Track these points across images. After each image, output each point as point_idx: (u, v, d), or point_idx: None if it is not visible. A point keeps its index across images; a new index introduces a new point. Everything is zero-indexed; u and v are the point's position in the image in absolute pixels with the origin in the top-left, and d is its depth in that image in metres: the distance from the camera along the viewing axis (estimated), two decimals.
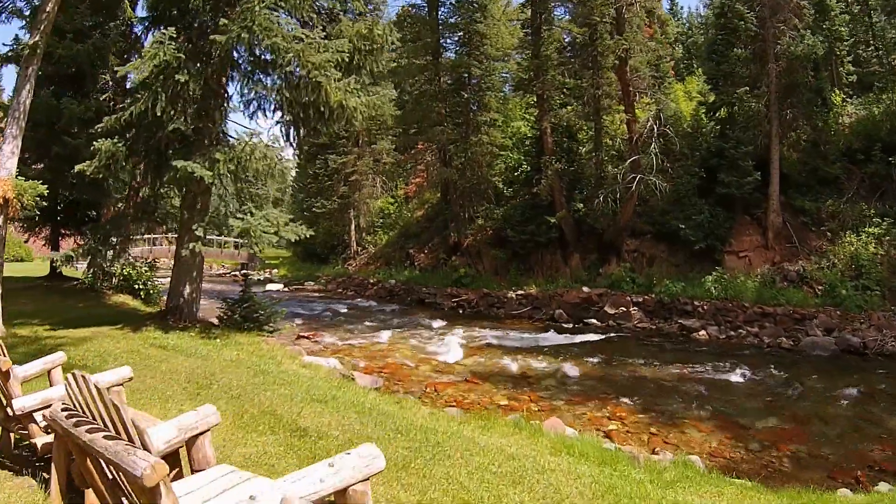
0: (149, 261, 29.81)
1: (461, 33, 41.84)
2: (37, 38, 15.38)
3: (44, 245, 30.97)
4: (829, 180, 31.02)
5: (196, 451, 5.02)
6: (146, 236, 43.09)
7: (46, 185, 23.69)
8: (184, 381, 10.64)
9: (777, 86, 30.75)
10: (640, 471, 8.63)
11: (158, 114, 14.69)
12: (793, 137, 32.62)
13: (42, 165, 25.02)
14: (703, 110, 36.01)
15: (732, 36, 32.20)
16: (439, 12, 42.92)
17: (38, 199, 15.52)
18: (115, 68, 15.40)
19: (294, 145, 18.69)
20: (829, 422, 14.83)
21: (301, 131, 18.05)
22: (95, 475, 4.01)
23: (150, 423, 5.49)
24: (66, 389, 4.14)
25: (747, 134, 31.05)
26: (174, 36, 14.94)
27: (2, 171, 14.59)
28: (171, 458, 4.89)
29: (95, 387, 3.75)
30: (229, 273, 62.14)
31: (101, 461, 3.83)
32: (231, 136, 17.50)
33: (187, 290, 17.55)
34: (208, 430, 5.12)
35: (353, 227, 54.46)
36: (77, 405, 4.06)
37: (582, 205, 35.57)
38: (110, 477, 3.88)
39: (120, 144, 15.29)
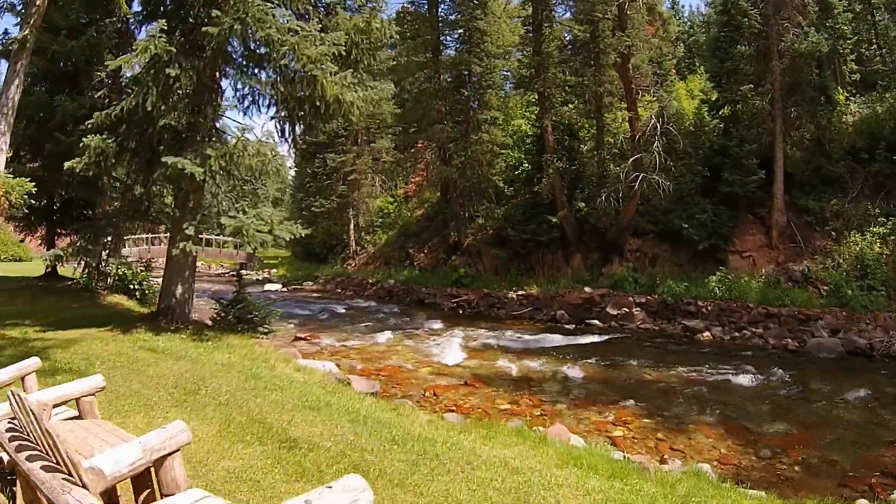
0: (144, 261, 29.50)
1: (461, 30, 41.37)
2: (26, 33, 15.03)
3: (40, 244, 30.67)
4: (833, 179, 30.66)
5: (165, 473, 4.57)
6: (144, 236, 42.86)
7: (40, 184, 23.74)
8: (171, 387, 10.25)
9: (781, 83, 30.38)
10: (652, 484, 8.18)
11: (149, 109, 14.27)
12: (796, 136, 32.27)
13: (36, 164, 24.76)
14: (706, 108, 35.70)
15: (736, 33, 31.81)
16: (439, 9, 42.44)
17: (27, 197, 15.23)
18: (106, 63, 14.90)
19: (289, 141, 18.28)
20: (839, 426, 14.49)
21: (297, 127, 17.68)
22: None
23: (118, 439, 5.09)
24: (11, 407, 3.74)
25: (751, 132, 30.65)
26: (165, 28, 14.50)
27: None
28: (142, 478, 4.48)
29: (32, 411, 3.34)
30: (228, 273, 61.72)
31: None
32: (226, 133, 17.09)
33: (179, 290, 17.12)
34: (178, 449, 4.68)
35: (352, 226, 54.10)
36: (22, 426, 3.66)
37: (584, 204, 35.15)
38: None
39: (110, 141, 14.89)
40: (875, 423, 14.64)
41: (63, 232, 27.88)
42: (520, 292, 33.61)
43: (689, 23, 63.57)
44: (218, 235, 30.34)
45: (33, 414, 3.33)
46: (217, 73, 16.54)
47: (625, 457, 10.41)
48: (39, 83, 25.59)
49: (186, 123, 16.39)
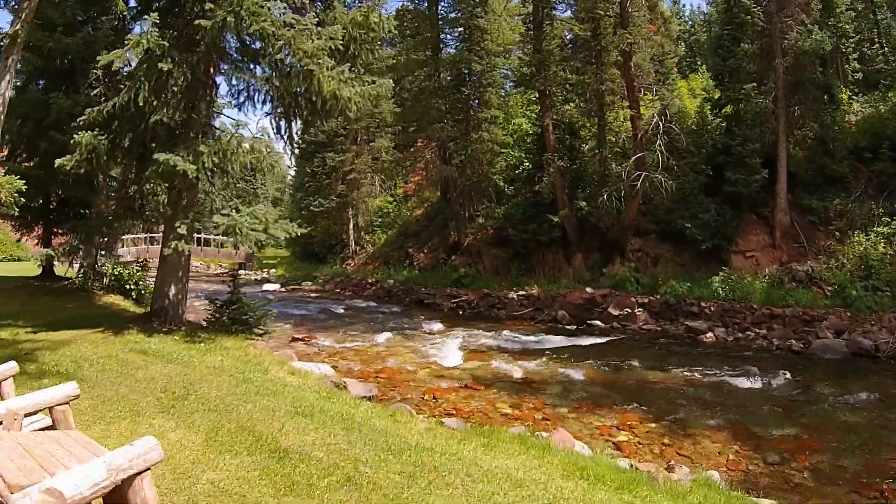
0: (141, 260, 29.30)
1: (461, 28, 41.15)
2: (17, 27, 14.67)
3: (36, 244, 30.45)
4: (836, 179, 30.49)
5: (134, 495, 4.21)
6: (142, 235, 42.62)
7: (36, 183, 23.58)
8: (159, 391, 9.91)
9: (784, 82, 30.12)
10: (663, 496, 7.86)
11: (141, 104, 13.96)
12: (799, 135, 32.07)
13: (32, 163, 24.54)
14: (708, 107, 35.44)
15: (739, 31, 31.61)
16: (439, 7, 42.22)
17: (21, 196, 14.94)
18: (98, 58, 14.56)
19: (285, 138, 17.87)
20: (847, 430, 14.15)
21: (293, 124, 17.35)
22: None
23: (89, 454, 4.75)
24: None
25: (754, 131, 30.46)
26: (157, 22, 14.18)
27: None
28: (115, 493, 4.14)
29: None
30: (227, 273, 61.50)
31: None
32: (220, 130, 16.75)
33: (172, 290, 16.76)
34: (148, 468, 4.32)
35: (351, 226, 53.80)
36: None
37: (585, 203, 34.80)
38: None
39: (101, 137, 14.55)
40: (883, 427, 14.32)
41: (60, 231, 27.65)
42: (520, 292, 33.33)
43: (689, 22, 63.68)
44: (216, 235, 30.09)
45: None
46: (211, 69, 16.18)
47: (632, 466, 10.07)
48: (35, 81, 25.40)
49: (180, 120, 16.02)
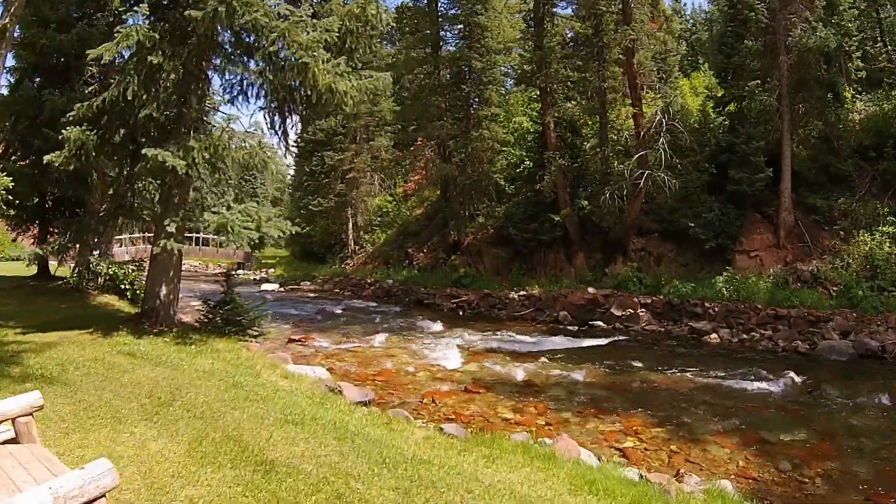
0: (137, 260, 29.01)
1: (461, 26, 40.91)
2: (6, 21, 14.30)
3: (32, 243, 30.16)
4: (840, 177, 30.22)
5: None
6: (140, 235, 42.36)
7: (31, 182, 23.32)
8: (144, 397, 9.47)
9: (788, 79, 29.85)
10: None
11: (130, 98, 13.57)
12: (802, 134, 31.91)
13: (27, 161, 24.27)
14: (711, 105, 35.19)
15: (742, 28, 31.34)
16: (439, 3, 41.92)
17: (14, 195, 14.64)
18: (87, 52, 14.16)
19: (280, 134, 17.44)
20: (858, 434, 13.79)
21: (287, 119, 16.95)
22: None
23: (47, 473, 4.34)
24: None
25: (758, 129, 30.16)
26: (147, 13, 13.80)
27: None
28: None
29: None
30: (231, 273, 61.13)
31: None
32: (213, 125, 16.33)
33: (164, 291, 16.30)
34: (102, 495, 3.90)
35: (350, 225, 53.57)
36: None
37: (587, 202, 34.46)
38: None
39: (89, 133, 14.15)
40: (894, 431, 13.98)
41: (55, 231, 27.36)
42: (521, 293, 33.04)
43: (691, 20, 63.63)
44: (206, 234, 29.80)
45: None
46: (204, 62, 15.77)
47: (642, 477, 9.64)
48: (30, 78, 25.09)
49: (171, 115, 15.60)
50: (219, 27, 14.29)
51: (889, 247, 26.34)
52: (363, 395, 13.84)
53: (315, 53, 14.06)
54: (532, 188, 36.10)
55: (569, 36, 37.18)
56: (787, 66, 29.77)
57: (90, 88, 22.86)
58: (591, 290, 30.51)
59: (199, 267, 67.87)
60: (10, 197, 16.14)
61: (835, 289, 26.18)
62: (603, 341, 24.81)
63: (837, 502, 10.27)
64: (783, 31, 29.82)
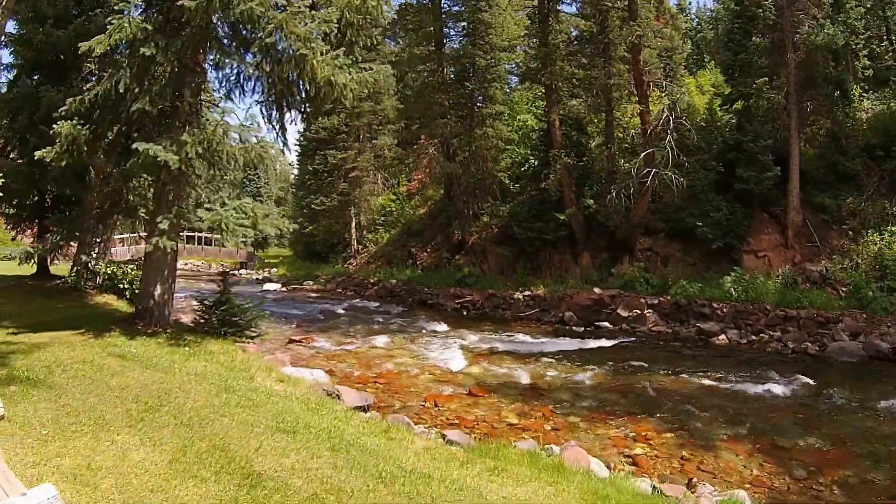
0: (137, 259, 28.76)
1: (465, 23, 40.52)
2: None
3: (32, 242, 29.88)
4: (848, 176, 29.99)
5: None
6: (143, 234, 42.12)
7: (29, 180, 23.05)
8: (131, 401, 9.04)
9: (796, 77, 29.57)
10: None
11: (122, 91, 13.20)
12: (810, 132, 31.74)
13: (24, 159, 23.99)
14: (718, 103, 34.99)
15: (750, 24, 31.19)
16: (442, 0, 41.44)
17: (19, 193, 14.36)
18: (78, 45, 13.79)
19: (277, 128, 17.03)
20: (872, 439, 13.40)
21: (287, 113, 16.56)
22: None
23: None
24: None
25: (766, 127, 29.89)
26: (141, 3, 13.43)
27: None
28: None
29: None
30: (228, 272, 60.95)
31: None
32: (208, 119, 15.94)
33: (158, 290, 15.86)
34: None
35: (353, 224, 53.25)
36: None
37: (592, 201, 34.17)
38: None
39: (80, 127, 13.77)
40: None
41: (55, 229, 27.14)
42: (526, 293, 32.66)
43: (696, 19, 63.80)
44: (206, 233, 29.55)
45: None
46: (200, 55, 15.38)
47: (655, 489, 9.23)
48: (29, 75, 24.83)
49: (166, 109, 15.21)
50: (214, 18, 13.94)
51: None
52: (362, 399, 13.41)
53: (313, 45, 13.67)
54: (537, 187, 35.79)
55: (573, 34, 36.90)
56: (795, 63, 29.47)
57: (88, 85, 22.55)
58: (597, 290, 30.15)
59: (202, 266, 67.70)
60: (2, 193, 15.83)
61: (844, 289, 25.91)
62: (609, 342, 24.45)
63: None
64: (791, 28, 29.60)
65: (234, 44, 15.34)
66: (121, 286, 23.03)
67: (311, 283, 49.71)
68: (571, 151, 34.91)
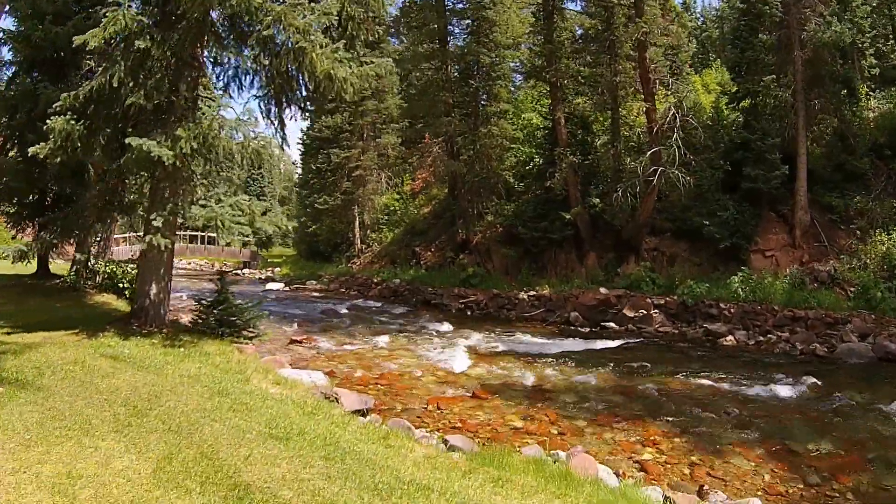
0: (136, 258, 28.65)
1: (469, 21, 40.33)
2: None
3: (33, 241, 29.70)
4: (856, 176, 29.76)
5: None
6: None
7: (29, 178, 22.83)
8: (119, 405, 8.68)
9: (803, 75, 29.40)
10: None
11: (115, 85, 12.91)
12: (817, 131, 31.51)
13: (23, 157, 23.82)
14: (725, 101, 34.66)
15: (756, 21, 30.88)
16: None
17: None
18: (73, 37, 13.49)
19: (276, 124, 16.72)
20: (886, 444, 13.05)
21: (285, 108, 16.25)
22: None
23: None
24: None
25: (773, 125, 29.65)
26: None
27: None
28: None
29: None
30: (231, 272, 60.97)
31: None
32: (204, 114, 15.64)
33: (154, 289, 15.50)
34: None
35: (356, 224, 53.06)
36: None
37: (598, 200, 33.90)
38: None
39: (74, 122, 13.47)
40: None
41: (51, 227, 26.98)
42: (531, 293, 32.42)
43: (701, 18, 63.81)
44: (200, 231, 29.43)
45: None
46: (198, 48, 15.07)
47: (668, 500, 8.90)
48: (29, 72, 24.63)
49: (162, 104, 14.89)
50: (211, 11, 13.64)
51: None
52: (362, 402, 13.06)
53: (312, 38, 13.35)
54: (542, 186, 35.42)
55: (578, 33, 36.72)
56: (802, 60, 29.33)
57: (87, 83, 22.38)
58: (602, 290, 29.89)
59: (205, 266, 67.62)
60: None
61: (852, 290, 25.66)
62: (615, 343, 24.15)
63: None
64: (797, 25, 29.49)
65: (232, 37, 15.06)
66: (120, 285, 22.86)
67: (314, 282, 49.57)
68: (577, 150, 34.66)
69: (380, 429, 9.96)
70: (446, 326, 27.71)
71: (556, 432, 13.28)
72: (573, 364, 19.98)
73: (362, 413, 11.97)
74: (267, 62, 14.18)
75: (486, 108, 39.99)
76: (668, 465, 11.53)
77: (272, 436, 7.98)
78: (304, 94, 15.31)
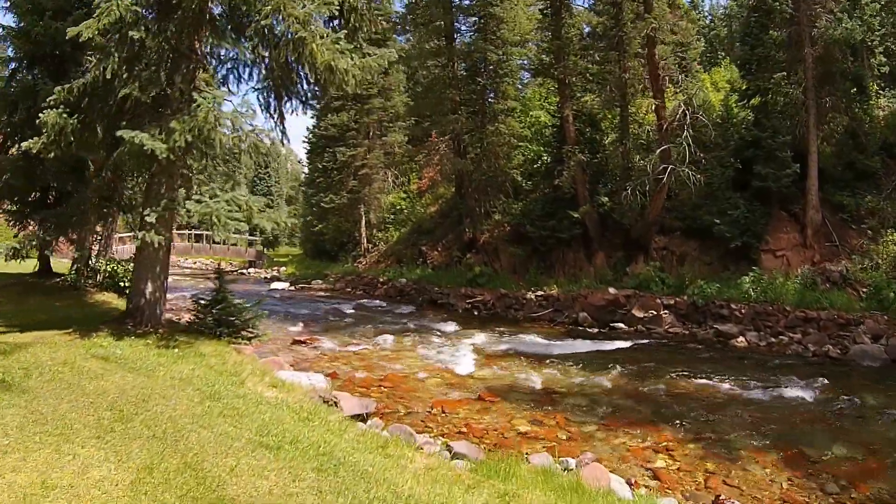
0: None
1: (475, 18, 40.06)
2: None
3: (24, 238, 29.49)
4: (867, 174, 29.46)
5: None
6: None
7: (30, 175, 22.57)
8: (105, 409, 8.28)
9: (814, 72, 29.05)
10: None
11: (109, 77, 12.54)
12: (827, 129, 31.11)
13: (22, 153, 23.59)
14: (734, 99, 34.34)
15: (767, 18, 30.59)
16: None
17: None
18: (67, 29, 13.12)
19: (275, 117, 16.35)
20: None
21: (287, 102, 15.88)
22: None
23: None
24: None
25: (784, 123, 29.26)
26: None
27: None
28: None
29: None
30: (236, 271, 60.78)
31: None
32: (200, 106, 15.28)
33: (149, 288, 15.10)
34: None
35: (363, 223, 52.75)
36: None
37: (607, 198, 33.71)
38: None
39: (67, 116, 13.12)
40: None
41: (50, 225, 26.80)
42: (539, 293, 32.06)
43: (709, 16, 63.70)
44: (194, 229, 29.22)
45: None
46: (196, 40, 14.68)
47: None
48: (29, 68, 24.42)
49: (158, 96, 14.51)
50: (208, 0, 13.28)
51: None
52: (362, 406, 12.65)
53: (312, 28, 12.96)
54: (550, 184, 35.10)
55: (586, 30, 36.59)
56: (813, 58, 28.99)
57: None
58: (611, 290, 29.52)
59: (211, 265, 67.42)
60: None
61: (864, 290, 25.26)
62: (624, 344, 23.78)
63: None
64: (808, 22, 29.17)
65: (230, 27, 14.68)
66: (122, 284, 22.62)
67: (319, 282, 49.38)
68: (585, 148, 34.29)
69: (379, 437, 9.45)
70: (452, 327, 27.45)
71: (564, 437, 12.89)
72: (581, 366, 19.64)
73: (362, 418, 11.60)
74: (266, 53, 13.85)
75: (493, 105, 39.65)
76: (682, 474, 11.11)
77: (262, 444, 7.52)
78: (305, 86, 14.99)
